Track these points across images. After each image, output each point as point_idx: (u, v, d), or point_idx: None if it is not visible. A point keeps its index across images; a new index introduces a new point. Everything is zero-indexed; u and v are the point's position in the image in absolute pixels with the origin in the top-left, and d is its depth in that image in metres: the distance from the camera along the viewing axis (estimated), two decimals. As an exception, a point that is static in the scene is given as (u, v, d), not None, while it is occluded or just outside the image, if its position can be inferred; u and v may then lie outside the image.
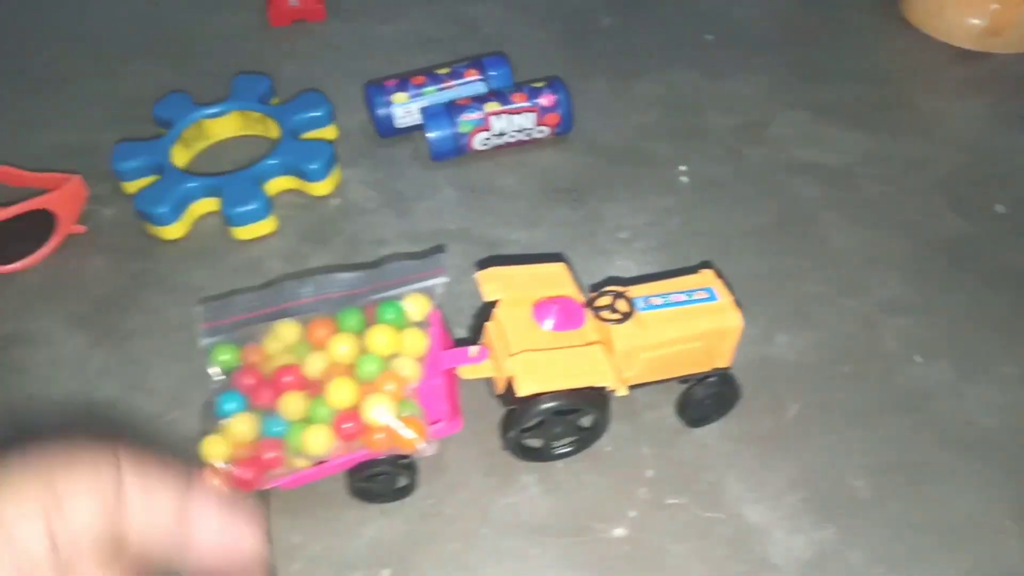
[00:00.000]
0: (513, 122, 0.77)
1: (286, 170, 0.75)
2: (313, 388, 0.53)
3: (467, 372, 0.57)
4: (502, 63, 0.82)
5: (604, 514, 0.56)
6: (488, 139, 0.77)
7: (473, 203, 0.76)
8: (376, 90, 0.79)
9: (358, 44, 0.93)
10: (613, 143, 0.82)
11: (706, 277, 0.57)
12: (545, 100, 0.77)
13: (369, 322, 0.55)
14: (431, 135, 0.76)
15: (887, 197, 0.76)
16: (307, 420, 0.52)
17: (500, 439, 0.56)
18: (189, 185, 0.72)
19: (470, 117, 0.76)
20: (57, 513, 0.25)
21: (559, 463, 0.58)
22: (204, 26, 0.96)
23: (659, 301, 0.55)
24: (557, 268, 0.59)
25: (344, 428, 0.51)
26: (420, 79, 0.80)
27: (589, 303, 0.55)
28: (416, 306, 0.56)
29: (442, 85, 0.80)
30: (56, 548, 0.25)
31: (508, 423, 0.55)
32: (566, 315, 0.54)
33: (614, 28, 0.96)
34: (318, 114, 0.79)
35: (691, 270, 0.58)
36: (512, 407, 0.54)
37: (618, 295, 0.55)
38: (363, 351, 0.54)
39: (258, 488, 0.52)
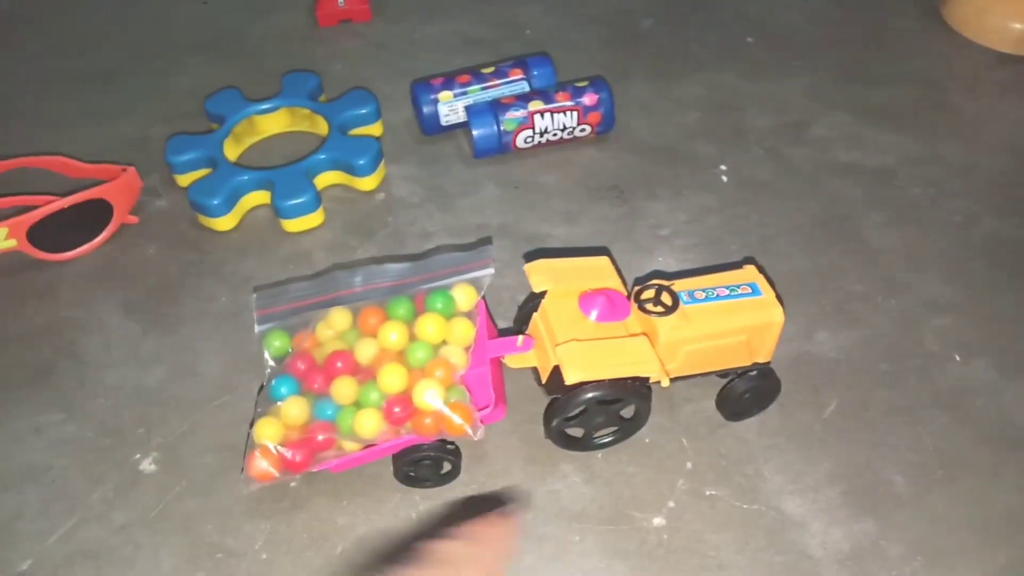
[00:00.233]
0: (556, 121, 0.78)
1: (334, 165, 0.76)
2: (364, 374, 0.55)
3: (513, 361, 0.59)
4: (545, 63, 0.83)
5: (643, 504, 0.56)
6: (531, 137, 0.78)
7: (515, 199, 0.77)
8: (422, 88, 0.81)
9: (403, 44, 0.95)
10: (654, 142, 0.83)
11: (749, 272, 0.58)
12: (588, 99, 0.78)
13: (418, 311, 0.57)
14: (476, 132, 0.77)
15: (928, 198, 0.76)
16: (357, 404, 0.54)
17: (542, 428, 0.57)
18: (241, 178, 0.74)
19: (514, 115, 0.77)
20: None
21: (599, 453, 0.59)
22: (254, 26, 0.98)
23: (703, 295, 0.56)
24: (602, 261, 0.60)
25: (394, 412, 0.52)
26: (465, 78, 0.82)
27: (634, 296, 0.56)
28: (464, 296, 0.57)
29: (486, 84, 0.82)
30: None
31: (551, 412, 0.56)
32: (611, 307, 0.55)
33: (655, 30, 0.97)
34: (365, 111, 0.81)
35: (734, 266, 0.59)
36: (556, 396, 0.55)
37: (663, 288, 0.56)
38: (412, 339, 0.55)
39: (308, 470, 0.54)
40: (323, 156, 0.76)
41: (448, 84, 0.81)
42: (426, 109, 0.81)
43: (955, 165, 0.80)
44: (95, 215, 0.73)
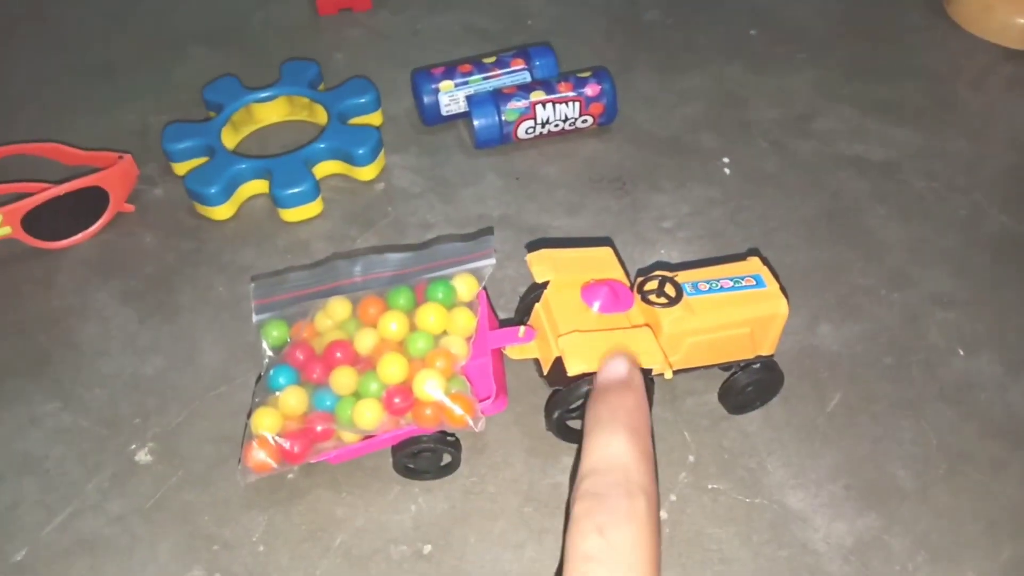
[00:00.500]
0: (558, 111, 0.77)
1: (333, 154, 0.76)
2: (363, 364, 0.54)
3: (515, 352, 0.58)
4: (548, 53, 0.83)
5: (646, 497, 0.56)
6: (533, 128, 0.78)
7: (516, 190, 0.76)
8: (423, 77, 0.80)
9: (404, 33, 0.94)
10: (657, 134, 0.82)
11: (753, 264, 0.57)
12: (590, 90, 0.78)
13: (419, 301, 0.56)
14: (477, 122, 0.77)
15: (934, 193, 0.76)
16: (357, 395, 0.53)
17: (543, 420, 0.57)
18: (239, 167, 0.73)
19: (516, 105, 0.77)
20: None
21: (601, 446, 0.58)
22: (253, 14, 0.98)
23: (707, 287, 0.55)
24: (604, 252, 0.59)
25: (394, 403, 0.52)
26: (467, 68, 0.81)
27: (638, 287, 0.56)
28: (465, 286, 0.56)
29: (488, 74, 0.81)
30: None
31: (553, 403, 0.55)
32: (614, 298, 0.55)
33: (659, 21, 0.96)
34: (364, 100, 0.80)
35: (737, 258, 0.59)
36: (557, 387, 0.55)
37: (666, 279, 0.55)
38: (413, 329, 0.55)
39: (306, 461, 0.53)
40: (322, 145, 0.75)
41: (449, 74, 0.80)
42: (427, 99, 0.80)
43: (961, 160, 0.79)
44: (91, 203, 0.72)
